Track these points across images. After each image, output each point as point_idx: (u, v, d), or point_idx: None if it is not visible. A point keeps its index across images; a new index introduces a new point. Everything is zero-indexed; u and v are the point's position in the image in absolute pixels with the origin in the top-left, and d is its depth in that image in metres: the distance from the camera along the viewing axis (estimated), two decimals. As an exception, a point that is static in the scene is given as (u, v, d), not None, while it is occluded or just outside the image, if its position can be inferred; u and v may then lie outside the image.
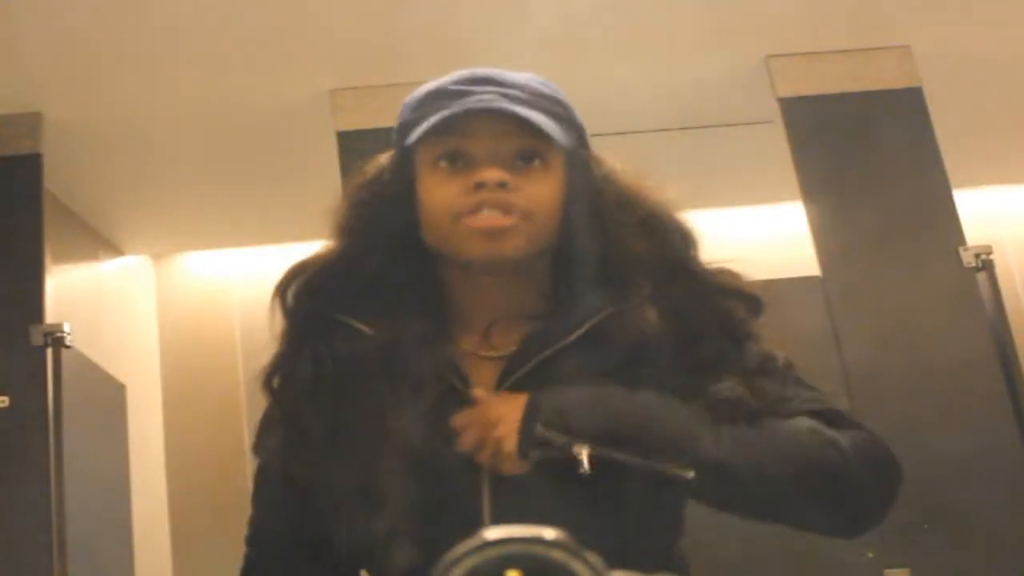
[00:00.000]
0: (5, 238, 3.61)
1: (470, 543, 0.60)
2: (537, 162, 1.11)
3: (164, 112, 3.88)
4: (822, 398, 1.18)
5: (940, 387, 3.38)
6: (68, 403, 3.43)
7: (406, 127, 1.14)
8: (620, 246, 1.12)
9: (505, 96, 1.10)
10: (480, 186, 1.07)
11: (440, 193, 1.09)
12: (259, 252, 4.95)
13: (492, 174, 1.07)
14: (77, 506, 3.39)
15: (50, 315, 3.53)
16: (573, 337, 1.09)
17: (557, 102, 1.16)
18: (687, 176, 4.79)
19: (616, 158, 1.22)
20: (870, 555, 3.25)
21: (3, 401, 3.36)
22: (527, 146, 1.10)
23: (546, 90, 1.17)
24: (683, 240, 1.18)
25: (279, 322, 1.16)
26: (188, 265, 5.18)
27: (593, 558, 0.60)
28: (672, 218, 1.18)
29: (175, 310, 5.07)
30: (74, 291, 4.18)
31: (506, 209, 1.07)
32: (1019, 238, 4.91)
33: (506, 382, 1.10)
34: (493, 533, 0.60)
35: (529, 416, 1.02)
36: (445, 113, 1.08)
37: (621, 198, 1.16)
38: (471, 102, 1.09)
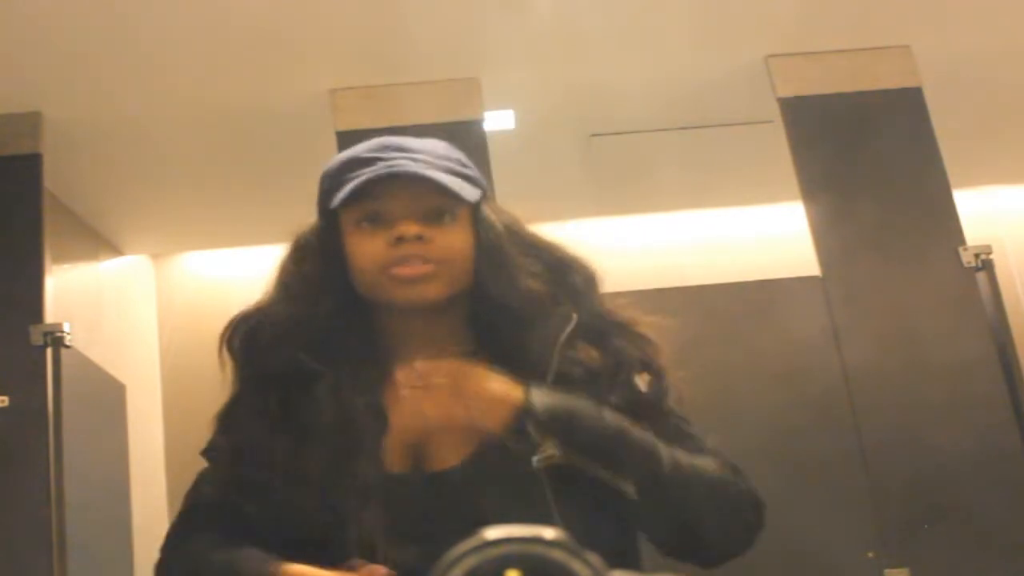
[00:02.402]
0: (5, 238, 3.61)
1: (470, 543, 0.60)
2: (447, 217, 1.26)
3: (164, 112, 3.88)
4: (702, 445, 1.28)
5: (940, 387, 3.38)
6: (68, 403, 3.43)
7: (327, 194, 1.27)
8: (527, 288, 1.26)
9: (413, 161, 1.25)
10: (400, 240, 1.22)
11: (366, 248, 1.25)
12: (259, 252, 4.95)
13: (410, 228, 1.23)
14: (77, 505, 3.39)
15: (50, 315, 3.53)
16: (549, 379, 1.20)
17: (461, 163, 1.30)
18: (687, 176, 4.80)
19: (515, 208, 1.37)
20: (870, 555, 3.25)
21: (3, 401, 3.36)
22: (437, 204, 1.25)
23: (451, 153, 1.30)
24: (586, 281, 1.31)
25: (229, 370, 1.30)
26: (188, 265, 5.18)
27: (593, 558, 0.60)
28: (575, 260, 1.32)
29: (175, 310, 5.07)
30: (74, 291, 4.18)
31: (424, 258, 1.23)
32: (1019, 238, 4.91)
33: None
34: (493, 533, 0.60)
35: (527, 405, 1.15)
36: (363, 179, 1.23)
37: (525, 244, 1.31)
38: (384, 167, 1.24)
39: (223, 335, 1.30)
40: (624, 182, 4.52)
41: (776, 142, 3.77)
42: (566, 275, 1.30)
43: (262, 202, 4.49)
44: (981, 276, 3.50)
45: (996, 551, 3.18)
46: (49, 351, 3.43)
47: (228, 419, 1.29)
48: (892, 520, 3.29)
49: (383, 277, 1.24)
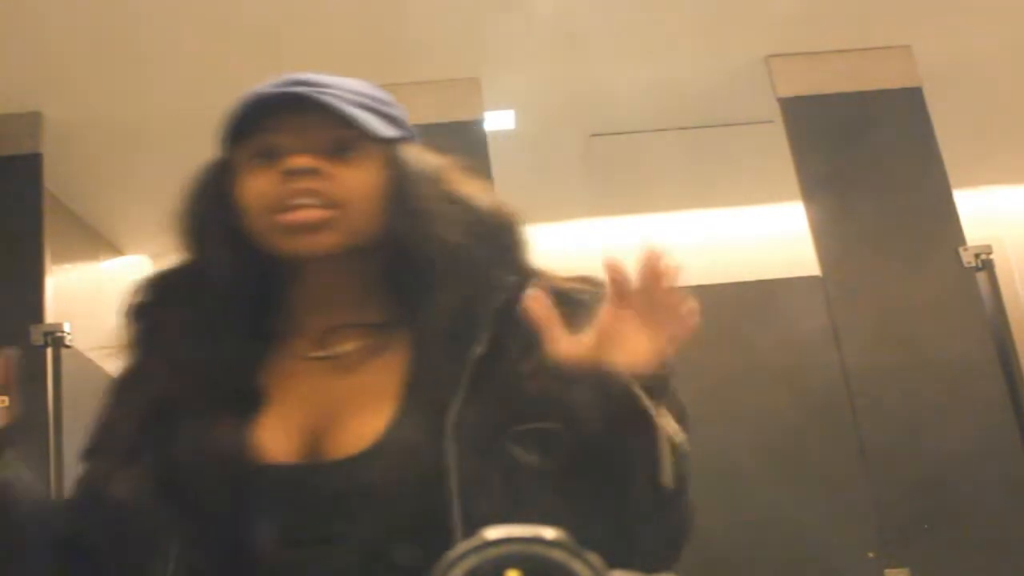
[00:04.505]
0: (5, 238, 3.61)
1: (469, 543, 0.60)
2: (351, 153, 1.09)
3: (164, 112, 3.88)
4: None
5: (940, 387, 3.38)
6: (68, 403, 3.43)
7: (223, 133, 1.14)
8: (446, 239, 1.07)
9: (320, 93, 1.10)
10: (290, 173, 1.06)
11: (253, 186, 1.09)
12: (259, 252, 4.95)
13: (301, 160, 1.06)
14: (77, 506, 3.39)
15: (50, 315, 3.53)
16: (462, 387, 1.03)
17: (381, 101, 1.15)
18: (687, 176, 4.80)
19: (440, 153, 1.18)
20: (870, 555, 3.25)
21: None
22: (340, 137, 1.09)
23: (369, 90, 1.15)
24: (518, 239, 1.14)
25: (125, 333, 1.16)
26: (188, 265, 5.18)
27: (593, 558, 0.60)
28: (505, 216, 1.14)
29: (175, 310, 5.07)
30: (74, 291, 4.18)
31: (318, 195, 1.06)
32: (1019, 238, 4.91)
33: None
34: (493, 533, 0.60)
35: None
36: (250, 104, 1.09)
37: (450, 194, 1.12)
38: (277, 92, 1.10)
39: (126, 300, 1.17)
40: (624, 182, 4.52)
41: (776, 142, 3.77)
42: (496, 230, 1.12)
43: (262, 202, 4.49)
44: (981, 276, 3.50)
45: (996, 551, 3.18)
46: (49, 351, 3.43)
47: (107, 400, 1.17)
48: (892, 520, 3.29)
49: (271, 223, 1.07)
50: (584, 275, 1.12)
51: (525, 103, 4.06)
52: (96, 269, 4.65)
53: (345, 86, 1.13)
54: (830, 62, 3.85)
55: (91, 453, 1.19)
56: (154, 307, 1.15)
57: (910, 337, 3.45)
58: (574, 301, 1.06)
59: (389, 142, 1.12)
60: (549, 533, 0.60)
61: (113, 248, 4.82)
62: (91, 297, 4.42)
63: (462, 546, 0.59)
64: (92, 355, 3.93)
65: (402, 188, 1.09)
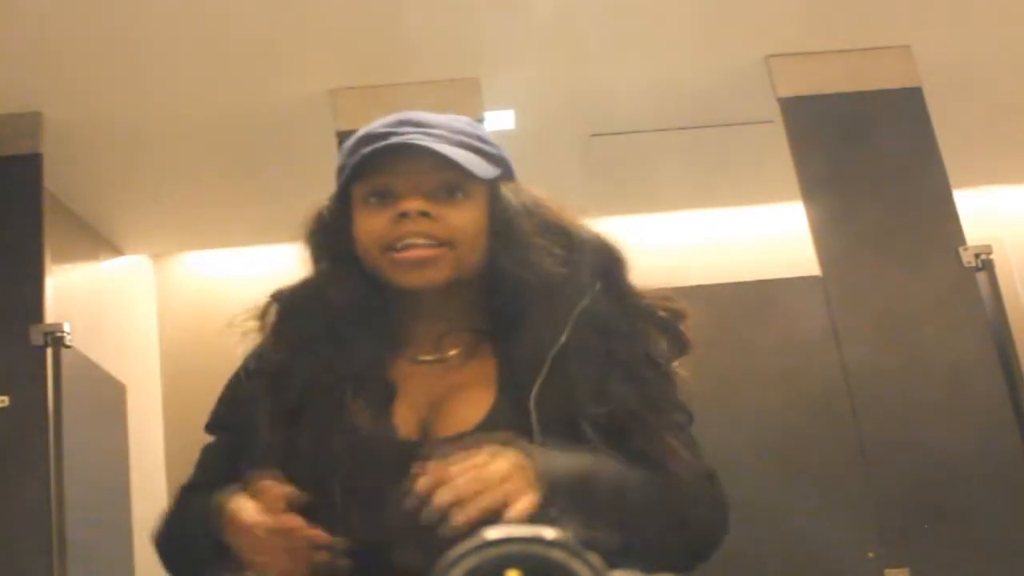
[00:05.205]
0: (5, 238, 3.61)
1: (470, 543, 0.60)
2: (460, 194, 1.22)
3: (164, 112, 3.88)
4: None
5: (940, 387, 3.38)
6: (68, 403, 3.43)
7: (340, 170, 1.27)
8: (543, 267, 1.21)
9: (427, 135, 1.22)
10: (404, 216, 1.19)
11: (369, 225, 1.22)
12: (259, 252, 4.95)
13: (414, 204, 1.19)
14: (77, 505, 3.39)
15: (50, 315, 3.53)
16: (543, 374, 1.17)
17: (479, 138, 1.27)
18: (687, 176, 4.80)
19: (540, 189, 1.31)
20: (870, 555, 3.25)
21: (3, 401, 3.36)
22: (448, 180, 1.21)
23: (469, 128, 1.27)
24: (610, 261, 1.27)
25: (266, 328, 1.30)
26: (188, 265, 5.18)
27: (593, 558, 0.60)
28: (600, 241, 1.28)
29: (175, 310, 5.07)
30: (74, 291, 4.18)
31: (429, 237, 1.19)
32: (1019, 238, 4.91)
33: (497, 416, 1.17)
34: (493, 533, 0.60)
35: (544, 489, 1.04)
36: (368, 151, 1.21)
37: (546, 224, 1.26)
38: (392, 140, 1.21)
39: (263, 307, 1.29)
40: (624, 182, 4.52)
41: (776, 142, 3.77)
42: (589, 256, 1.25)
43: (262, 202, 4.49)
44: (981, 276, 3.50)
45: (996, 551, 3.18)
46: (49, 351, 3.43)
47: (238, 390, 1.30)
48: (892, 520, 3.29)
49: (384, 259, 1.20)
50: (665, 293, 1.28)
51: (525, 103, 4.06)
52: (96, 269, 4.66)
53: (449, 126, 1.25)
54: (830, 62, 3.85)
55: (232, 428, 1.29)
56: (293, 310, 1.29)
57: (910, 337, 3.45)
58: (657, 318, 1.25)
59: (491, 181, 1.25)
60: (549, 533, 0.60)
61: (113, 248, 4.82)
62: (91, 297, 4.42)
63: (462, 546, 0.59)
64: (92, 355, 3.94)
65: (504, 224, 1.24)
